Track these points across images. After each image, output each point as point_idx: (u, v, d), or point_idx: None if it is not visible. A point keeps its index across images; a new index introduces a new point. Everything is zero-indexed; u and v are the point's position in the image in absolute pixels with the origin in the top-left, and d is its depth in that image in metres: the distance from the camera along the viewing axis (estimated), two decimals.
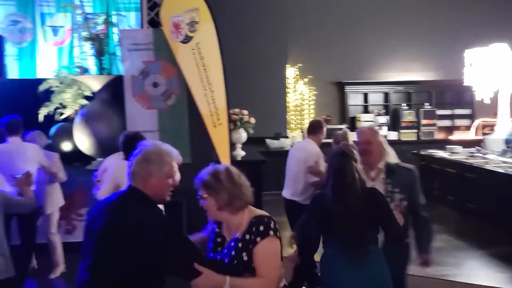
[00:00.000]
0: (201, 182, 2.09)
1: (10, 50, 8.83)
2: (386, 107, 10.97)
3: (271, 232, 2.01)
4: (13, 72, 8.89)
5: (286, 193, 4.76)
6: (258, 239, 1.99)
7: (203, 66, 5.21)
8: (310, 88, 10.50)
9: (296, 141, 4.81)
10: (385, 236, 2.79)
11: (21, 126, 4.74)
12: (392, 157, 3.47)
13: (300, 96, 10.51)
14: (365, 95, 10.99)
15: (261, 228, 2.01)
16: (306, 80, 10.44)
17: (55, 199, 5.16)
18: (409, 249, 3.16)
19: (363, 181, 2.71)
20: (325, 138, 4.98)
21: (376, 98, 11.03)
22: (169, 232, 1.98)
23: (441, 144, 9.11)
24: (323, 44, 10.32)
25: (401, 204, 2.92)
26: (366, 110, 10.94)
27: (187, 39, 5.30)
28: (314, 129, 4.84)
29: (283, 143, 9.45)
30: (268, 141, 9.45)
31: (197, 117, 5.37)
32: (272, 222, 2.07)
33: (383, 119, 10.58)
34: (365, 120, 10.43)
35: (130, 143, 3.18)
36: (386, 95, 11.00)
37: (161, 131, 5.72)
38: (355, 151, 2.76)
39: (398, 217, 2.79)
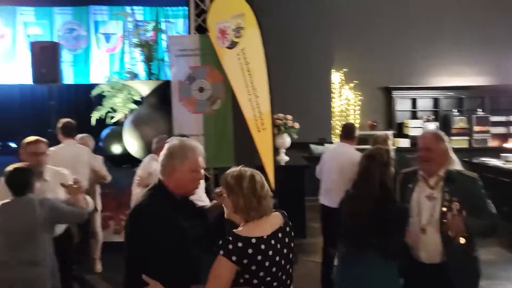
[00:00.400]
0: (224, 180, 2.05)
1: (65, 56, 9.29)
2: (435, 113, 10.61)
3: (221, 252, 1.87)
4: (68, 77, 9.34)
5: (329, 200, 4.43)
6: (220, 252, 1.89)
7: (248, 71, 5.26)
8: (356, 93, 10.34)
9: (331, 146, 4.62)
10: (379, 250, 2.61)
11: (75, 129, 4.94)
12: (456, 164, 3.28)
13: (346, 101, 10.37)
14: (414, 100, 10.67)
15: (221, 243, 1.90)
16: (351, 85, 10.29)
17: (99, 199, 5.31)
18: (478, 264, 2.87)
19: (387, 188, 2.63)
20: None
21: (425, 103, 10.69)
22: (149, 230, 2.02)
23: (495, 152, 8.66)
24: (370, 49, 10.13)
25: (459, 215, 2.63)
26: (414, 116, 10.62)
27: (232, 45, 5.37)
28: (351, 132, 4.62)
29: (328, 148, 9.34)
30: (312, 146, 9.38)
31: (241, 122, 5.43)
32: (236, 242, 1.87)
33: (432, 125, 10.21)
34: (413, 126, 10.13)
35: None
36: (436, 100, 10.63)
37: (206, 135, 5.83)
38: (388, 155, 2.70)
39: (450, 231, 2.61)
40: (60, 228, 3.13)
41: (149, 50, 6.77)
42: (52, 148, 4.69)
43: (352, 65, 10.15)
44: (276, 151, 5.82)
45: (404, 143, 9.69)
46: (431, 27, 10.25)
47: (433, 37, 10.27)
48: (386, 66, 10.23)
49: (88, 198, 3.26)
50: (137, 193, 4.08)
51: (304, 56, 9.55)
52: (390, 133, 5.39)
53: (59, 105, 8.23)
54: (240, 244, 1.86)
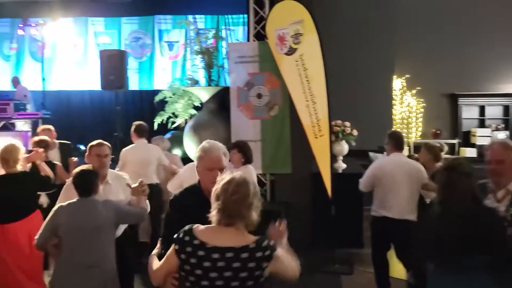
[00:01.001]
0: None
1: (131, 63, 9.75)
2: (505, 121, 9.98)
3: (175, 236, 1.93)
4: (133, 83, 9.79)
5: (395, 213, 4.14)
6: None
7: (306, 77, 5.25)
8: (418, 100, 9.95)
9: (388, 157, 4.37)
10: (495, 261, 2.43)
11: (147, 131, 5.45)
12: None
13: (407, 108, 10.02)
14: (482, 108, 10.11)
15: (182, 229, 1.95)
16: (414, 91, 9.92)
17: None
18: None
19: (477, 198, 2.46)
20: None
21: (494, 111, 10.08)
22: (167, 217, 2.45)
23: None
24: (434, 54, 9.72)
25: None
26: (482, 124, 10.05)
27: (291, 51, 5.38)
28: (402, 142, 4.41)
29: (379, 160, 9.04)
30: (371, 154, 9.12)
31: (298, 128, 5.41)
32: (185, 234, 1.88)
33: (502, 134, 9.60)
34: (481, 135, 9.58)
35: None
36: (506, 108, 10.00)
37: (264, 141, 5.86)
38: (467, 165, 2.54)
39: None
40: (119, 230, 3.25)
41: (209, 57, 6.94)
42: (126, 148, 5.22)
43: (415, 71, 9.79)
44: (333, 158, 5.73)
45: (471, 153, 9.18)
46: (501, 29, 9.67)
47: (504, 40, 9.67)
48: (451, 71, 9.76)
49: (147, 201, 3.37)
50: None
51: (364, 61, 9.34)
52: (444, 144, 5.09)
53: (124, 110, 8.67)
54: (186, 238, 1.87)
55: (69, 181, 3.15)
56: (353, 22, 9.55)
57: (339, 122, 6.09)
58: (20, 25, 9.79)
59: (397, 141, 4.33)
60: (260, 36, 6.17)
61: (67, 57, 10.35)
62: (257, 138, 5.91)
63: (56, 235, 2.89)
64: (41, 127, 5.27)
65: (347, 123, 6.20)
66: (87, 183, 2.96)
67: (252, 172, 4.39)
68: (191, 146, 6.59)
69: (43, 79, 9.44)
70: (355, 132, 6.21)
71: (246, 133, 5.89)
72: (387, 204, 4.17)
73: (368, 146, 8.79)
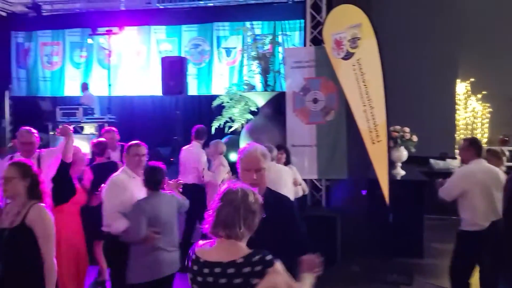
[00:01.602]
0: None
1: (191, 69, 10.05)
2: None
3: None
4: (192, 89, 10.08)
5: (490, 224, 3.85)
6: None
7: (363, 82, 5.16)
8: (484, 104, 9.44)
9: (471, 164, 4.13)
10: None
11: (204, 134, 5.71)
12: None
13: (472, 113, 9.54)
14: None
15: None
16: (479, 96, 9.43)
17: None
18: None
19: None
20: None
21: None
22: None
23: None
24: (500, 56, 9.19)
25: None
26: None
27: (348, 56, 5.32)
28: (482, 149, 4.19)
29: (450, 164, 8.64)
30: (432, 161, 8.78)
31: (355, 133, 5.33)
32: (192, 248, 1.85)
33: None
34: None
35: None
36: None
37: (319, 146, 5.83)
38: None
39: None
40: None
41: (266, 63, 7.02)
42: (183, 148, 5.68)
43: (480, 74, 9.30)
44: (391, 164, 5.58)
45: None
46: None
47: None
48: None
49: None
50: None
51: (425, 64, 9.02)
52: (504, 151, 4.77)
53: (183, 115, 8.95)
54: (190, 252, 1.87)
55: (118, 178, 3.47)
56: (414, 24, 9.25)
57: (397, 127, 5.93)
58: (89, 34, 10.41)
59: (479, 148, 4.10)
60: (317, 41, 6.16)
61: (131, 64, 10.85)
62: (313, 143, 5.88)
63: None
64: (105, 128, 5.61)
65: (407, 129, 6.01)
66: (158, 179, 3.34)
67: (296, 172, 4.87)
68: None
69: (109, 85, 9.97)
70: (415, 138, 6.00)
71: (301, 138, 5.89)
72: (482, 215, 3.88)
73: (429, 153, 8.47)
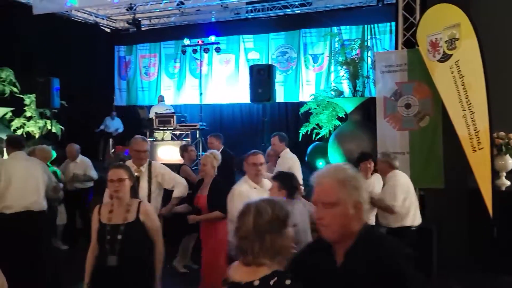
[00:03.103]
0: None
1: (278, 77, 10.15)
2: None
3: None
4: (279, 96, 10.18)
5: None
6: None
7: (462, 85, 4.82)
8: None
9: None
10: None
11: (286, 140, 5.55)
12: None
13: None
14: None
15: None
16: None
17: None
18: None
19: None
20: None
21: None
22: None
23: None
24: None
25: None
26: None
27: (445, 57, 5.01)
28: None
29: None
30: None
31: (453, 140, 4.98)
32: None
33: None
34: None
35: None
36: None
37: (412, 153, 5.55)
38: None
39: None
40: None
41: (354, 68, 6.88)
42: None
43: None
44: (495, 174, 5.13)
45: None
46: None
47: None
48: None
49: None
50: None
51: None
52: None
53: (271, 121, 9.07)
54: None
55: (241, 188, 3.36)
56: None
57: (502, 133, 5.46)
58: (182, 46, 11.01)
59: None
60: (410, 43, 5.90)
61: (221, 73, 11.27)
62: (405, 150, 5.62)
63: None
64: (211, 135, 5.84)
65: None
66: (295, 185, 3.23)
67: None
68: (335, 157, 6.58)
69: (201, 93, 10.44)
70: None
71: (393, 144, 5.66)
72: None
73: None
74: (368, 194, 1.62)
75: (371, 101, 6.39)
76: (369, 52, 8.04)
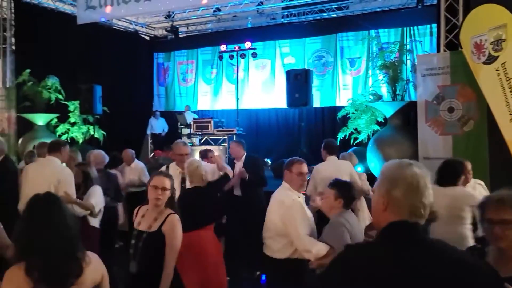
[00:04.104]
0: None
1: (314, 81, 10.09)
2: None
3: None
4: (315, 100, 10.10)
5: None
6: None
7: (510, 88, 4.63)
8: None
9: None
10: None
11: (336, 147, 5.21)
12: None
13: None
14: None
15: None
16: None
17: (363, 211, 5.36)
18: None
19: None
20: None
21: None
22: None
23: None
24: None
25: None
26: None
27: (490, 60, 4.84)
28: None
29: None
30: None
31: (500, 145, 4.78)
32: None
33: None
34: None
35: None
36: None
37: None
38: None
39: None
40: None
41: (394, 71, 6.74)
42: (317, 165, 5.06)
43: None
44: None
45: None
46: None
47: None
48: None
49: None
50: None
51: None
52: None
53: (307, 126, 9.01)
54: None
55: (293, 199, 3.11)
56: None
57: None
58: (219, 52, 11.15)
59: None
60: (452, 45, 5.74)
61: (257, 78, 11.32)
62: (448, 155, 5.44)
63: None
64: (232, 141, 5.82)
65: None
66: (353, 195, 3.12)
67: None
68: (374, 162, 6.46)
69: (237, 99, 10.52)
70: None
71: (435, 150, 5.51)
72: None
73: None
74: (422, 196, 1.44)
75: (412, 105, 6.24)
76: (409, 55, 7.85)
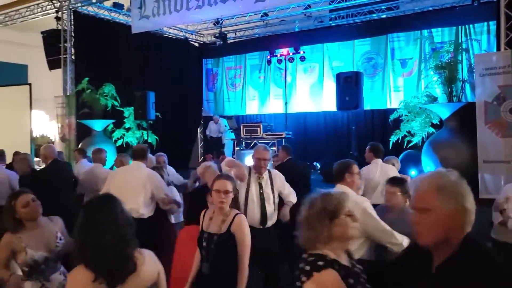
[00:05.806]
0: None
1: (364, 83, 9.92)
2: None
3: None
4: (365, 103, 9.91)
5: None
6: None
7: None
8: None
9: None
10: None
11: (382, 150, 5.15)
12: None
13: None
14: None
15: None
16: None
17: None
18: None
19: None
20: None
21: None
22: None
23: None
24: None
25: None
26: None
27: None
28: None
29: None
30: None
31: None
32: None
33: None
34: None
35: None
36: None
37: None
38: None
39: None
40: None
41: (450, 72, 6.52)
42: (363, 168, 4.92)
43: None
44: None
45: None
46: None
47: None
48: None
49: None
50: None
51: None
52: None
53: (357, 129, 8.87)
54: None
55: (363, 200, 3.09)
56: None
57: None
58: (267, 57, 11.21)
59: None
60: None
61: (305, 81, 11.28)
62: (510, 158, 5.21)
63: None
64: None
65: None
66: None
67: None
68: (430, 166, 6.27)
69: (285, 103, 10.53)
70: None
71: (495, 153, 5.29)
72: None
73: None
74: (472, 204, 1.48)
75: (469, 106, 6.02)
76: (465, 54, 7.56)
